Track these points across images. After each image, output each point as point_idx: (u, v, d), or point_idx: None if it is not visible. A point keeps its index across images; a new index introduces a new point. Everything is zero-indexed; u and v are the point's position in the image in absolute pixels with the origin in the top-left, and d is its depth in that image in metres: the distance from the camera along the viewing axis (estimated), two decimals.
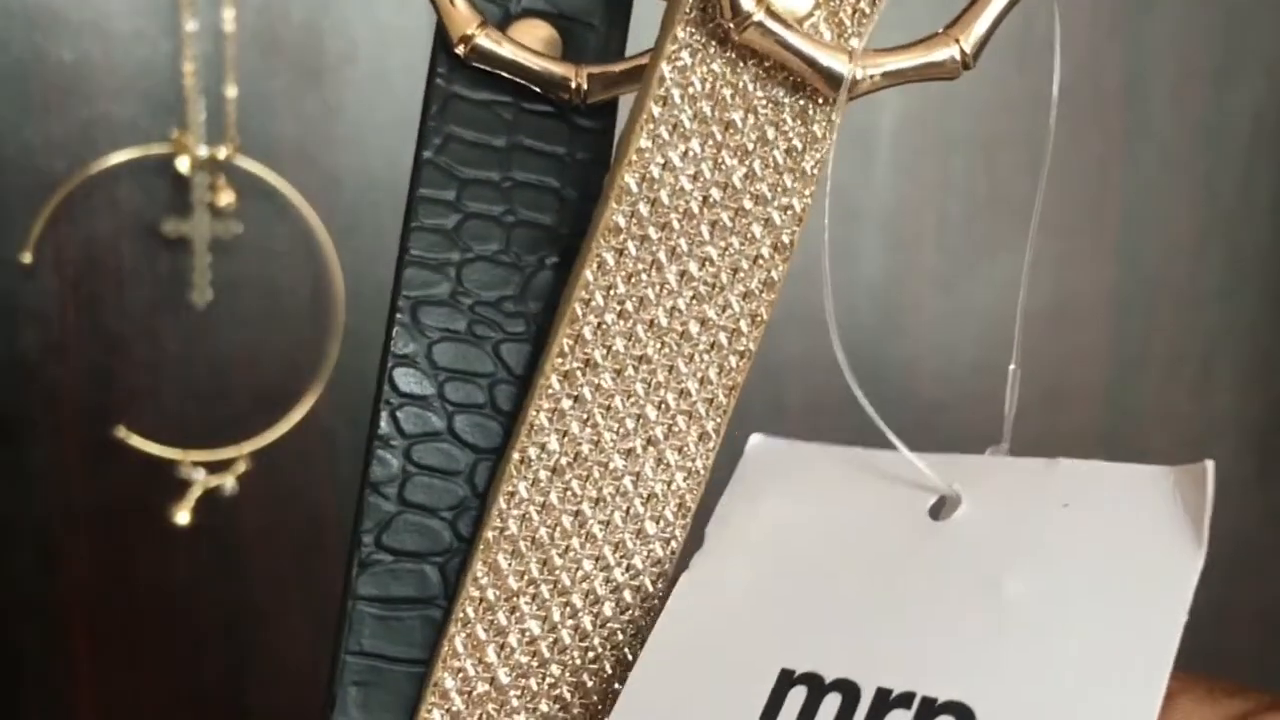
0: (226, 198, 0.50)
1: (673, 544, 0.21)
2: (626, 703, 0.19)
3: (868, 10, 0.21)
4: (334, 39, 0.51)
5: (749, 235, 0.20)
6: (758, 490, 0.21)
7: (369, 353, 0.59)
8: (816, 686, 0.18)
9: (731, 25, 0.19)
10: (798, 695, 0.18)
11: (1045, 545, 0.18)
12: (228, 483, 0.52)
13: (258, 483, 0.52)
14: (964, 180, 0.58)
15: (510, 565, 0.20)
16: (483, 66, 0.21)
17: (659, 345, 0.20)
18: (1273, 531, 0.64)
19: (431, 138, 0.21)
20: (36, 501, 0.51)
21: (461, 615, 0.20)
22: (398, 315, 0.20)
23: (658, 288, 0.20)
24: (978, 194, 0.59)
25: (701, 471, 0.21)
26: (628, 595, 0.21)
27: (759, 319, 0.21)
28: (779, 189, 0.20)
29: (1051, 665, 0.16)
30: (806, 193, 0.20)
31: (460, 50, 0.20)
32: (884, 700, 0.17)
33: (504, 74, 0.21)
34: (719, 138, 0.20)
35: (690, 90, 0.19)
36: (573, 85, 0.21)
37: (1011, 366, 0.21)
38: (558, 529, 0.20)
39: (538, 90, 0.21)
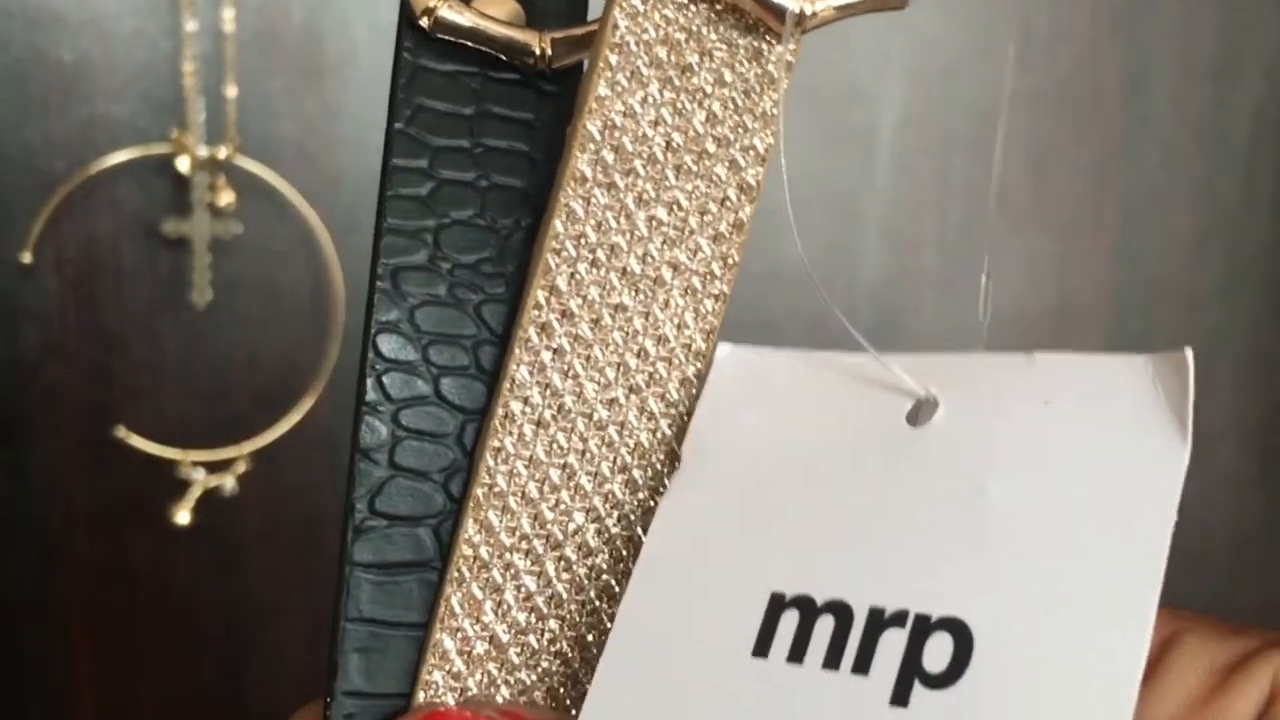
0: (226, 198, 0.50)
1: (664, 491, 0.21)
2: (617, 638, 0.19)
3: None
4: (334, 39, 0.51)
5: (714, 178, 0.20)
6: (731, 404, 0.20)
7: None
8: (809, 610, 0.17)
9: None
10: (790, 620, 0.17)
11: (1027, 445, 0.17)
12: (227, 483, 0.52)
13: (258, 483, 0.52)
14: (964, 180, 0.58)
15: (501, 522, 0.20)
16: (447, 37, 0.21)
17: (634, 292, 0.20)
18: (1273, 531, 0.64)
19: (402, 109, 0.21)
20: (36, 501, 0.51)
21: (456, 575, 0.20)
22: (378, 283, 0.21)
23: (628, 235, 0.20)
24: (978, 194, 0.59)
25: (687, 417, 0.21)
26: (621, 546, 0.21)
27: (731, 261, 0.21)
28: (740, 130, 0.20)
29: (1043, 571, 0.16)
30: (768, 133, 0.21)
31: (424, 23, 0.21)
32: (878, 620, 0.17)
33: (469, 44, 0.21)
34: (677, 82, 0.20)
35: (645, 36, 0.20)
36: (536, 51, 0.21)
37: (983, 277, 0.22)
38: (546, 483, 0.20)
39: (503, 58, 0.21)
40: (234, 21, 0.50)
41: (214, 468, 0.52)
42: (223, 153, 0.50)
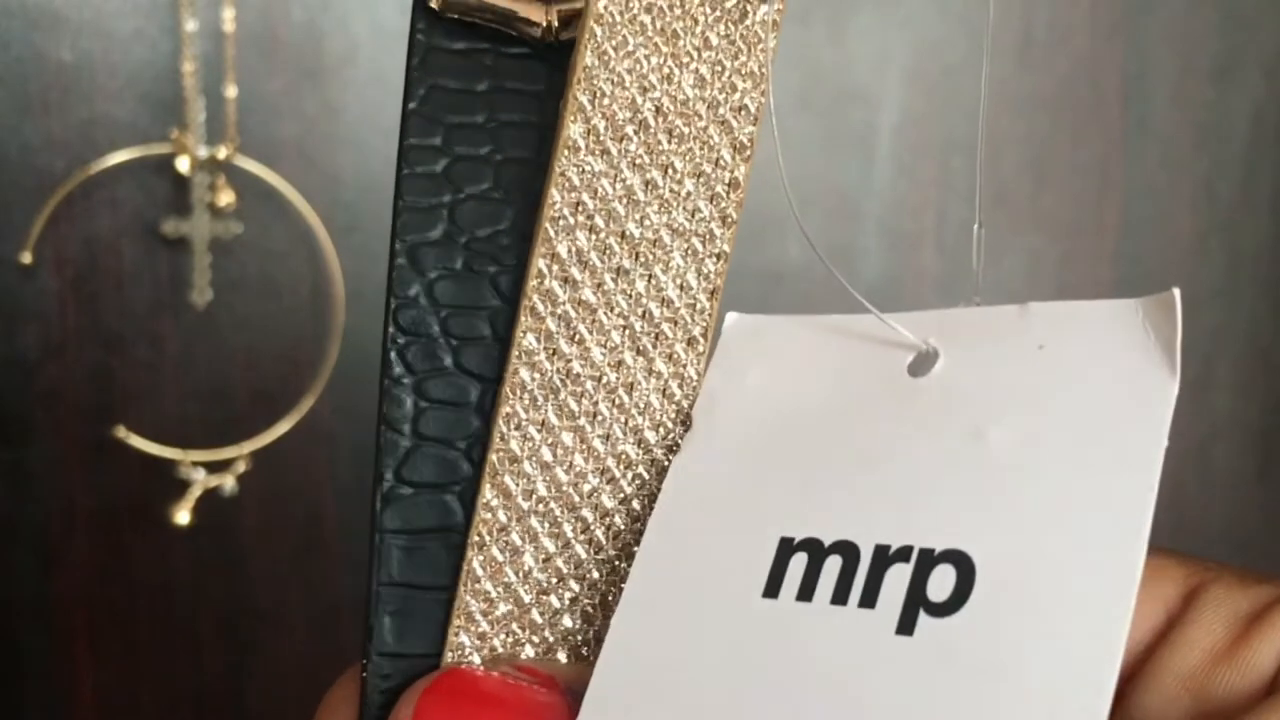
0: (226, 198, 0.50)
1: (675, 451, 0.21)
2: (633, 588, 0.20)
3: None
4: (334, 39, 0.51)
5: (707, 140, 0.21)
6: (739, 366, 0.21)
7: (369, 353, 0.59)
8: (816, 551, 0.18)
9: None
10: (799, 562, 0.18)
11: (1024, 389, 0.18)
12: (227, 483, 0.52)
13: (257, 483, 0.52)
14: (964, 180, 0.58)
15: (518, 486, 0.21)
16: (458, 16, 0.21)
17: (634, 256, 0.21)
18: (1273, 531, 0.64)
19: (415, 89, 0.21)
20: (36, 501, 0.51)
21: (477, 539, 0.21)
22: (397, 260, 0.21)
23: (625, 200, 0.21)
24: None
25: (695, 377, 0.21)
26: (637, 505, 0.21)
27: (729, 219, 0.21)
28: (730, 91, 0.21)
29: (1040, 502, 0.17)
30: (757, 92, 0.21)
31: (434, 3, 0.21)
32: (883, 556, 0.17)
33: (479, 21, 0.21)
34: (664, 48, 0.20)
35: (629, 6, 0.20)
36: (544, 24, 0.21)
37: (975, 226, 0.22)
38: (559, 446, 0.21)
39: (513, 34, 0.21)
40: (234, 21, 0.50)
41: (214, 468, 0.52)
42: (223, 153, 0.50)
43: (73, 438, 0.51)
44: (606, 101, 0.20)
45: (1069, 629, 0.15)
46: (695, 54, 0.21)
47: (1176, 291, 0.18)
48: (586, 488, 0.21)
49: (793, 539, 0.18)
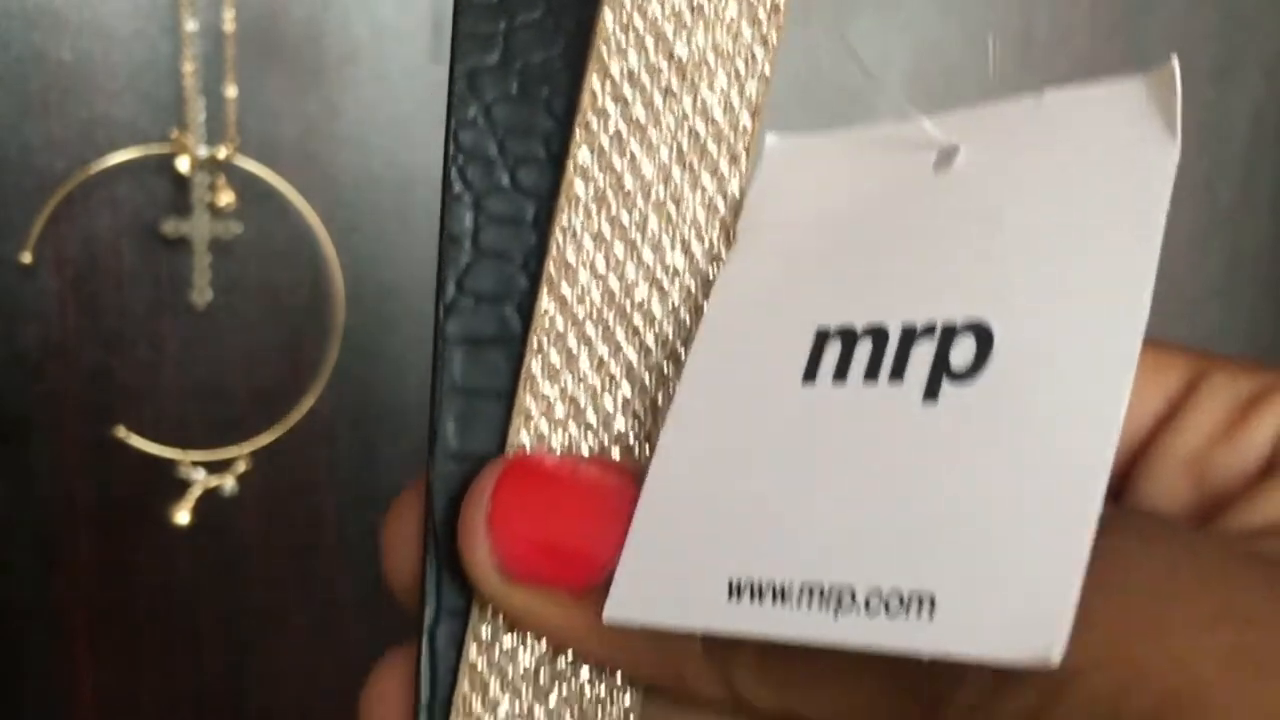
0: (226, 198, 0.50)
1: (719, 264, 0.22)
2: (684, 388, 0.21)
3: None
4: (334, 39, 0.51)
5: None
6: (780, 183, 0.22)
7: (369, 353, 0.59)
8: (849, 338, 0.19)
9: None
10: (834, 348, 0.19)
11: (1039, 171, 0.19)
12: (228, 483, 0.52)
13: (257, 483, 0.52)
14: None
15: (573, 294, 0.22)
16: None
17: (681, 76, 0.22)
18: None
19: None
20: (36, 501, 0.51)
21: (535, 344, 0.22)
22: (456, 85, 0.22)
23: (673, 22, 0.22)
24: None
25: (737, 193, 0.22)
26: (684, 313, 0.22)
27: (770, 43, 0.22)
28: None
29: (1053, 271, 0.18)
30: None
31: None
32: (910, 334, 0.18)
33: None
34: None
35: None
36: None
37: (990, 38, 0.24)
38: (611, 257, 0.22)
39: None
40: (234, 21, 0.50)
41: (214, 468, 0.52)
42: (223, 153, 0.50)
43: (73, 437, 0.51)
44: None
45: (1077, 391, 0.17)
46: None
47: (1174, 61, 0.19)
48: (638, 296, 0.22)
49: (828, 329, 0.20)
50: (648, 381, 0.22)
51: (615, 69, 0.22)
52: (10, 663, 0.52)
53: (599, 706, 0.21)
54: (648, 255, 0.22)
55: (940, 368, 0.18)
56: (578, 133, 0.22)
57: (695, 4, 0.22)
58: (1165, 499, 0.21)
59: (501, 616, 0.21)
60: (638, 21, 0.22)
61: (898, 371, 0.18)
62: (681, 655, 0.19)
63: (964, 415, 0.17)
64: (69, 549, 0.52)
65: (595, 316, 0.22)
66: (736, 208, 0.22)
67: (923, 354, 0.18)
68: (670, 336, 0.22)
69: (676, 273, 0.22)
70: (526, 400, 0.21)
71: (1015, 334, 0.17)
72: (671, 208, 0.22)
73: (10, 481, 0.51)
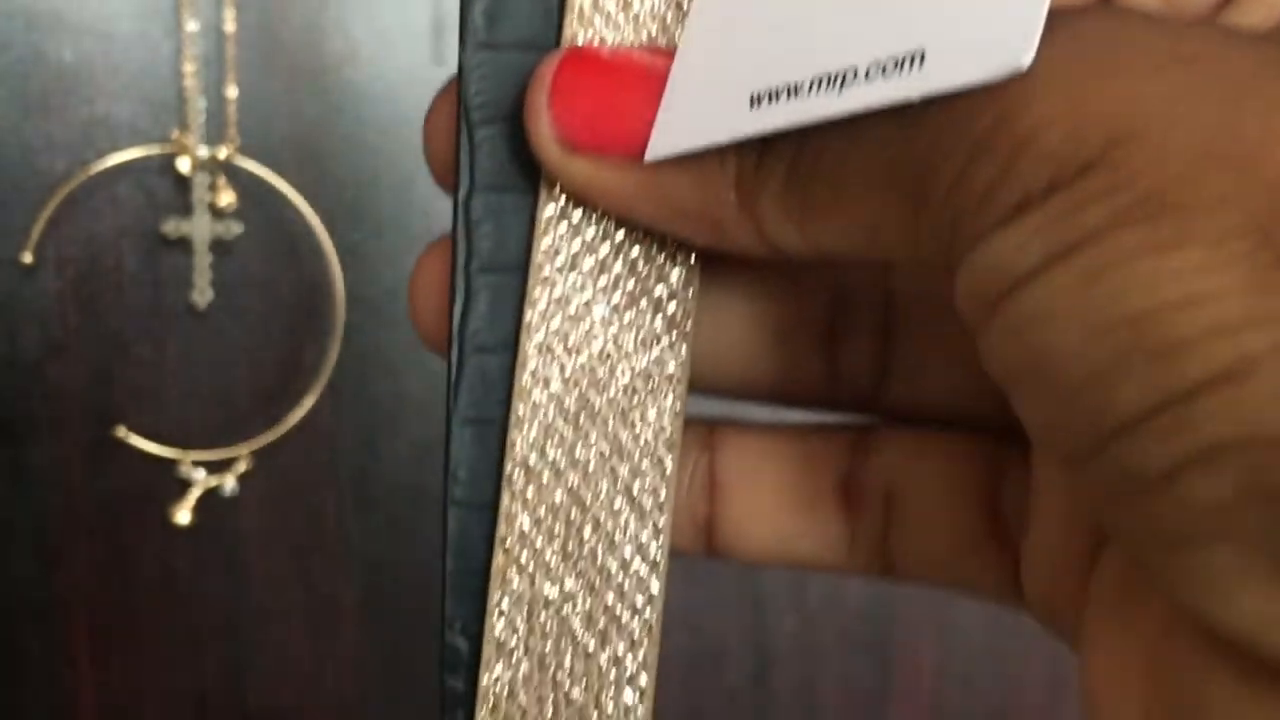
0: (227, 198, 0.50)
1: None
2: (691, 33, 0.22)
3: None
4: (334, 39, 0.51)
5: None
6: None
7: (369, 353, 0.59)
8: None
9: None
10: None
11: None
12: (228, 483, 0.52)
13: (258, 482, 0.53)
14: None
15: None
16: None
17: None
18: None
19: None
20: (37, 501, 0.51)
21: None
22: None
23: None
24: None
25: None
26: None
27: None
28: None
29: None
30: None
31: None
32: None
33: None
34: None
35: None
36: None
37: None
38: None
39: None
40: (234, 22, 0.50)
41: (215, 467, 0.52)
42: (223, 153, 0.50)
43: (73, 438, 0.51)
44: None
45: None
46: None
47: None
48: None
49: None
50: None
51: None
52: (11, 662, 0.52)
53: (655, 271, 0.23)
54: None
55: None
56: None
57: None
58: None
59: (563, 192, 0.22)
60: None
61: None
62: (718, 201, 0.21)
63: None
64: (69, 548, 0.52)
65: None
66: None
67: None
68: None
69: None
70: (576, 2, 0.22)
71: None
72: None
73: (10, 481, 0.51)
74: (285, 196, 0.50)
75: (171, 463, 0.51)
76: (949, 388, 0.25)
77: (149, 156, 0.50)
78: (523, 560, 0.22)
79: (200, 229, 0.50)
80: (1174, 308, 0.15)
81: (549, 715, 0.22)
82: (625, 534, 0.22)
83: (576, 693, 0.22)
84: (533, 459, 0.22)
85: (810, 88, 0.19)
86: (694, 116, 0.21)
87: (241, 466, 0.52)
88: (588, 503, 0.22)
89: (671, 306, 0.23)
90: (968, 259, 0.17)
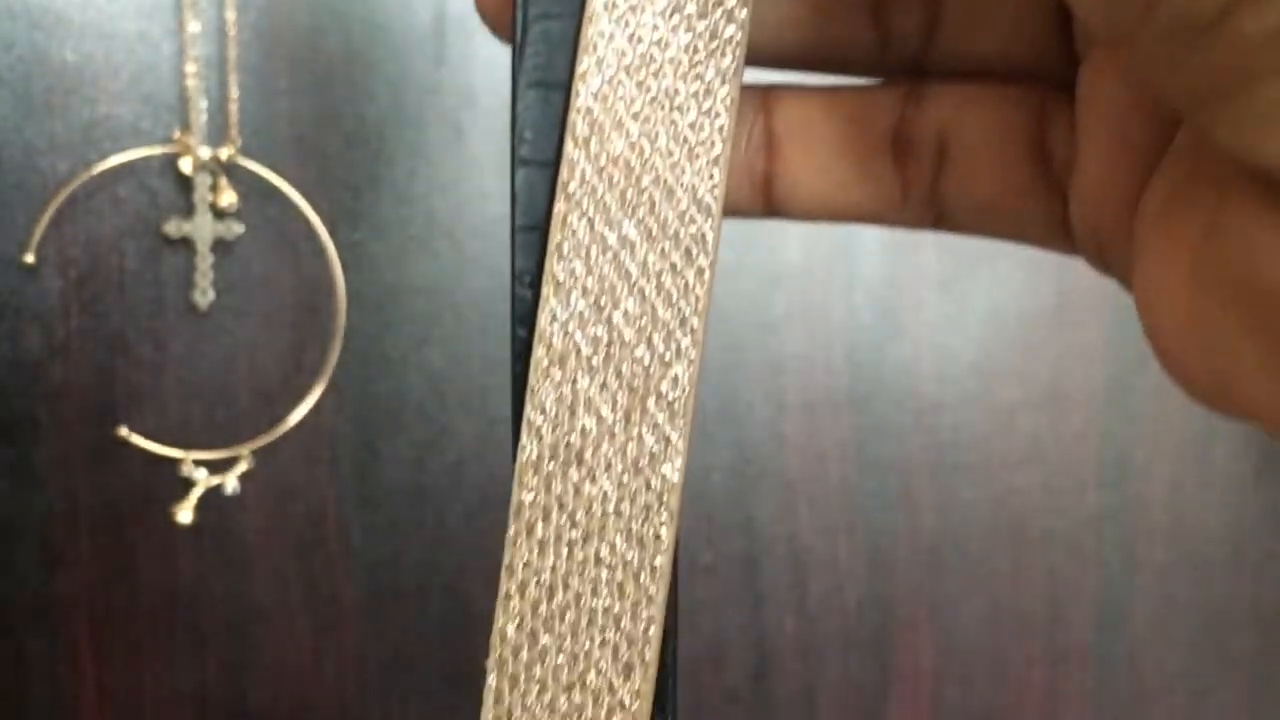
0: (228, 198, 0.50)
1: None
2: None
3: None
4: (335, 40, 0.51)
5: None
6: None
7: (369, 353, 0.59)
8: None
9: None
10: None
11: None
12: (230, 482, 0.52)
13: (259, 482, 0.53)
14: None
15: None
16: None
17: None
18: (1272, 532, 0.64)
19: None
20: (39, 501, 0.52)
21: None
22: None
23: None
24: None
25: None
26: None
27: None
28: None
29: None
30: None
31: None
32: None
33: None
34: None
35: None
36: None
37: None
38: None
39: None
40: (236, 23, 0.50)
41: (216, 467, 0.52)
42: (225, 153, 0.50)
43: (75, 438, 0.52)
44: None
45: None
46: None
47: None
48: None
49: None
50: None
51: None
52: (13, 662, 0.52)
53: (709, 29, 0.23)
54: None
55: None
56: None
57: None
58: None
59: None
60: None
61: None
62: None
63: None
64: (71, 548, 0.52)
65: None
66: None
67: None
68: None
69: None
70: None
71: None
72: None
73: (13, 481, 0.51)
74: (287, 196, 0.51)
75: (173, 462, 0.51)
76: (997, 36, 0.25)
77: (151, 157, 0.50)
78: (584, 205, 0.23)
79: (202, 229, 0.50)
80: None
81: (604, 355, 0.22)
82: (681, 184, 0.23)
83: (629, 334, 0.22)
84: (596, 109, 0.23)
85: None
86: None
87: (243, 466, 0.52)
88: (646, 153, 0.23)
89: None
90: None
